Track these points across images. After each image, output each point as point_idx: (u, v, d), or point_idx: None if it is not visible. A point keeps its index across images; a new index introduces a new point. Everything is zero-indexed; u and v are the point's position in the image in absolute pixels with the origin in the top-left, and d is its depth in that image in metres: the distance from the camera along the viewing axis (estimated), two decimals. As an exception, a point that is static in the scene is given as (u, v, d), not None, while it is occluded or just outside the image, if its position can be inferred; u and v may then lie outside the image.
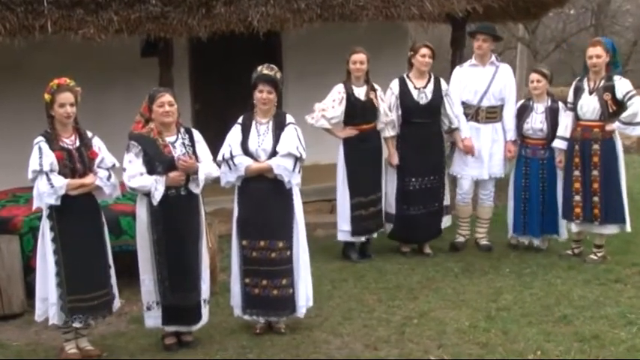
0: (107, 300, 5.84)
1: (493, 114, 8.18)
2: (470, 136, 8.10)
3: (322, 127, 7.74)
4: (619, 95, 7.42)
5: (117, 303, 6.01)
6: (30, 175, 5.55)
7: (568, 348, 5.69)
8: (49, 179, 5.50)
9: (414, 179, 8.05)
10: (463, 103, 8.17)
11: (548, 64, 23.58)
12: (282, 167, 5.97)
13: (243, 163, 5.99)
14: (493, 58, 8.34)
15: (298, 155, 6.02)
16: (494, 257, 8.07)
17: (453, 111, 8.05)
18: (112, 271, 5.93)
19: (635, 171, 12.95)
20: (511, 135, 8.13)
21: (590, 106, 7.51)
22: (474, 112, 8.16)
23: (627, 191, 9.79)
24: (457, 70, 8.48)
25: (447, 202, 8.24)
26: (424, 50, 7.93)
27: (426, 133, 8.07)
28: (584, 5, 24.43)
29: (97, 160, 5.77)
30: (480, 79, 8.17)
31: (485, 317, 6.37)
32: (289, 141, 6.03)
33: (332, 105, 7.72)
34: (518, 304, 6.66)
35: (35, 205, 5.66)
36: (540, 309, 6.54)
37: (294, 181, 6.08)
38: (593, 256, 7.79)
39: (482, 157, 8.16)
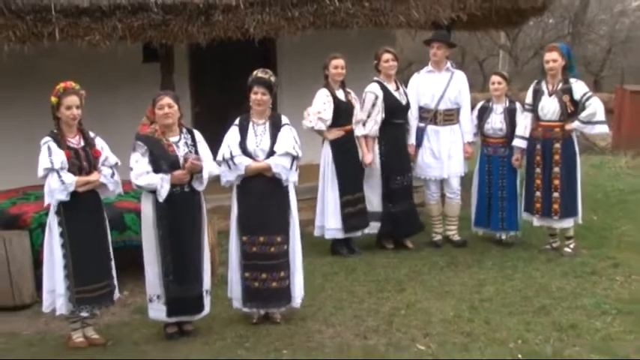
0: (109, 291, 5.88)
1: (450, 116, 8.23)
2: (413, 143, 8.23)
3: (320, 129, 7.74)
4: (576, 96, 7.51)
5: (117, 294, 6.03)
6: (41, 173, 5.57)
7: (547, 337, 5.72)
8: (59, 176, 5.53)
9: (398, 177, 8.10)
10: (421, 108, 8.24)
11: (527, 69, 23.73)
12: (280, 166, 6.00)
13: (243, 162, 6.01)
14: (448, 64, 8.38)
15: (295, 154, 6.05)
16: (477, 251, 8.10)
17: (413, 114, 8.20)
18: (113, 264, 5.94)
19: (609, 170, 12.96)
20: (469, 137, 8.22)
21: (550, 107, 7.59)
22: (432, 116, 8.21)
23: (600, 189, 9.92)
24: (415, 76, 8.55)
25: None
26: (387, 55, 8.01)
27: (402, 133, 8.22)
28: (562, 14, 24.51)
29: (101, 159, 5.80)
30: (437, 84, 8.23)
31: (468, 308, 6.40)
32: (286, 141, 6.05)
33: (324, 108, 7.73)
34: (500, 296, 6.69)
35: (47, 201, 5.66)
36: (521, 300, 6.57)
37: (292, 178, 6.11)
38: (567, 249, 7.83)
39: (442, 158, 8.21)
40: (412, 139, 8.24)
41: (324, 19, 8.65)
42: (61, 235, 5.65)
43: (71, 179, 5.56)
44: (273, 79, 6.12)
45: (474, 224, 8.36)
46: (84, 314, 5.81)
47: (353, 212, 7.95)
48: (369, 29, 9.20)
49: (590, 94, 7.53)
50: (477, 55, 25.69)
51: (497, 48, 26.12)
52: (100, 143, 5.86)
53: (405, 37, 14.81)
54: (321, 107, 7.74)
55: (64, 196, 5.55)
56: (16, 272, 6.75)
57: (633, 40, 26.94)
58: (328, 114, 7.73)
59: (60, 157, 5.55)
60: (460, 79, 8.33)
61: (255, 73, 6.13)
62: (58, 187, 5.53)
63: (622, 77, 21.78)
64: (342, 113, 7.84)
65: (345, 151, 7.91)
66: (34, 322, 6.40)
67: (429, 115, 8.19)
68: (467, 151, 8.22)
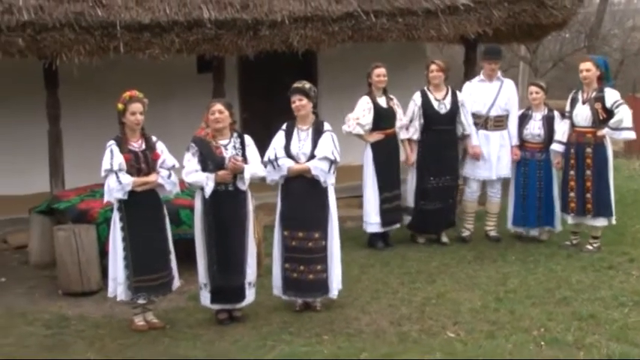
0: (167, 281, 5.91)
1: (500, 122, 8.11)
2: (479, 144, 8.07)
3: (358, 133, 7.72)
4: (608, 104, 7.37)
5: (177, 283, 6.07)
6: (102, 173, 5.65)
7: (568, 326, 5.65)
8: (117, 177, 5.59)
9: (432, 178, 8.04)
10: (473, 114, 8.12)
11: (546, 80, 23.52)
12: (319, 169, 5.99)
13: (286, 164, 6.02)
14: (499, 74, 8.30)
15: (333, 159, 6.03)
16: (501, 247, 8.00)
17: (467, 119, 8.02)
18: (173, 256, 5.98)
19: (622, 173, 12.87)
20: (516, 140, 8.06)
21: (583, 114, 7.48)
22: (483, 122, 8.11)
23: (616, 190, 9.72)
24: (467, 84, 8.43)
25: None
26: (432, 66, 7.97)
27: (444, 138, 8.05)
28: (578, 29, 24.21)
29: (160, 161, 5.83)
30: (488, 93, 8.13)
31: (494, 299, 6.33)
32: (326, 146, 6.04)
33: (363, 114, 7.72)
34: (523, 288, 6.61)
35: (106, 199, 5.75)
36: (543, 292, 6.49)
37: (329, 181, 6.10)
38: (589, 247, 7.71)
39: (491, 160, 8.09)
40: (474, 141, 8.09)
41: (362, 34, 8.67)
42: (122, 229, 5.71)
43: (128, 180, 5.62)
44: (307, 86, 6.11)
45: (511, 223, 8.20)
46: (141, 301, 5.86)
47: (390, 208, 7.93)
48: (402, 43, 9.18)
49: (620, 101, 7.40)
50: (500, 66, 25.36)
51: (518, 60, 25.93)
52: (160, 147, 5.89)
53: (434, 50, 14.71)
54: (360, 113, 7.72)
55: (120, 195, 5.61)
56: (84, 261, 6.82)
57: None
58: (367, 119, 7.72)
59: (119, 159, 5.62)
60: (509, 87, 8.22)
61: (292, 86, 6.15)
62: (116, 187, 5.60)
63: (634, 86, 21.65)
64: (383, 118, 7.82)
65: (384, 153, 7.88)
66: (101, 306, 6.45)
67: (480, 121, 8.10)
68: (515, 153, 8.05)
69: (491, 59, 8.19)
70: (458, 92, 8.14)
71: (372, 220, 7.91)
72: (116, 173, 5.59)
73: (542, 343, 5.34)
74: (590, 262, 7.30)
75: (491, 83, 8.18)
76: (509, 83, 8.30)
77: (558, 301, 6.24)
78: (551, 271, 7.09)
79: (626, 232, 8.37)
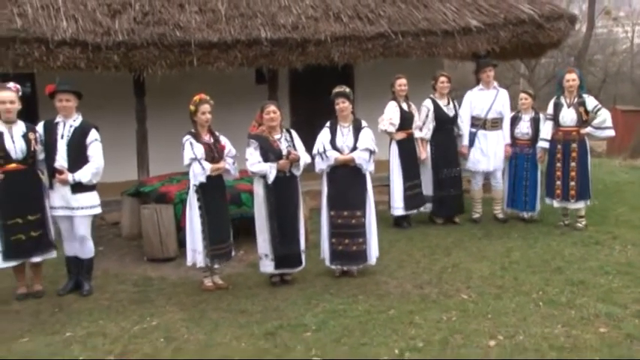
0: (230, 249, 5.91)
1: (496, 124, 7.99)
2: (467, 144, 8.03)
3: (391, 131, 7.67)
4: (589, 108, 7.33)
5: (233, 252, 6.03)
6: (187, 162, 5.61)
7: (562, 290, 5.54)
8: (200, 164, 5.56)
9: (445, 170, 7.95)
10: (474, 117, 8.02)
11: (542, 94, 23.40)
12: (361, 158, 5.95)
13: (333, 155, 5.97)
14: (495, 83, 8.18)
15: (373, 149, 5.99)
16: (506, 227, 7.84)
17: (461, 123, 8.03)
18: (231, 229, 5.94)
19: (605, 169, 12.72)
20: (508, 140, 7.96)
21: (569, 116, 7.39)
22: (482, 123, 7.99)
23: (600, 182, 9.54)
24: (468, 92, 8.29)
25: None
26: (442, 78, 7.91)
27: (451, 137, 8.02)
28: (569, 52, 24.49)
29: (226, 151, 5.81)
30: (486, 99, 8.02)
31: (500, 268, 6.21)
32: (366, 139, 6.01)
33: (394, 115, 7.69)
34: (524, 259, 6.48)
35: (192, 182, 5.67)
36: (541, 262, 6.35)
37: (370, 168, 6.05)
38: (578, 224, 7.59)
39: (489, 155, 7.98)
40: (465, 141, 8.04)
41: (391, 50, 8.65)
42: (199, 208, 5.68)
43: (208, 166, 5.61)
44: (347, 90, 6.08)
45: (505, 206, 8.10)
46: (216, 266, 5.85)
47: (412, 195, 7.83)
48: (424, 58, 9.10)
49: (599, 106, 7.34)
50: (504, 82, 25.51)
51: (519, 77, 26.10)
52: (224, 140, 5.87)
53: (450, 65, 14.51)
54: (392, 114, 7.68)
55: (203, 179, 5.60)
56: (164, 234, 6.86)
57: (622, 73, 28.43)
58: (397, 120, 7.67)
59: (200, 149, 5.60)
60: (503, 95, 8.10)
61: (334, 90, 6.09)
62: (200, 172, 5.58)
63: (614, 100, 22.79)
64: (406, 120, 7.75)
65: (407, 149, 7.80)
66: (177, 270, 6.48)
67: (480, 122, 7.98)
68: (507, 150, 7.94)
69: (486, 66, 8.11)
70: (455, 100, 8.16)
71: (397, 205, 7.82)
72: (199, 161, 5.57)
73: (541, 303, 5.23)
74: (580, 239, 7.14)
75: (489, 91, 8.06)
76: (503, 92, 8.18)
77: (553, 269, 6.11)
78: (547, 245, 6.95)
79: (610, 215, 8.21)
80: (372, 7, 8.84)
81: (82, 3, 7.84)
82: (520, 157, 7.86)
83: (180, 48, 7.71)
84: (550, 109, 7.59)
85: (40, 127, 5.67)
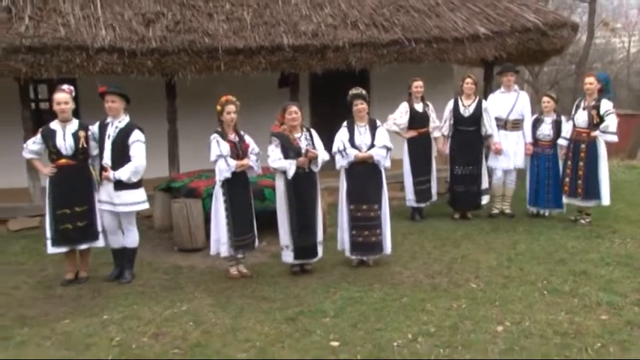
0: (253, 240, 5.89)
1: (516, 124, 7.87)
2: (499, 141, 7.84)
3: (393, 130, 7.58)
4: (601, 111, 7.12)
5: (257, 242, 6.00)
6: (213, 158, 5.60)
7: (565, 279, 5.48)
8: (226, 161, 5.55)
9: (457, 167, 7.84)
10: (496, 118, 7.88)
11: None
12: (379, 155, 5.94)
13: (352, 153, 5.94)
14: (516, 87, 8.07)
15: (389, 147, 5.97)
16: (513, 221, 7.74)
17: (489, 122, 7.77)
18: (254, 222, 5.91)
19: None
20: (529, 139, 7.80)
21: (582, 118, 7.25)
22: (503, 124, 7.89)
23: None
24: (491, 95, 8.23)
25: (485, 185, 7.86)
26: (468, 80, 7.79)
27: (467, 136, 7.77)
28: (570, 60, 24.40)
29: (250, 150, 5.78)
30: (507, 101, 7.91)
31: (507, 259, 6.15)
32: (383, 137, 6.00)
33: (400, 116, 7.66)
34: (529, 251, 6.41)
35: (217, 178, 5.67)
36: (545, 254, 6.27)
37: (387, 164, 6.03)
38: (582, 221, 7.46)
39: (509, 154, 7.87)
40: (496, 138, 7.82)
41: (405, 56, 8.60)
42: (225, 201, 5.67)
43: (233, 163, 5.59)
44: (364, 92, 6.06)
45: (528, 203, 7.92)
46: (239, 256, 5.84)
47: (422, 189, 7.84)
48: (436, 63, 9.04)
49: (611, 111, 7.12)
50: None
51: (523, 83, 25.94)
52: (248, 139, 5.85)
53: (460, 70, 14.39)
54: (398, 115, 7.67)
55: (228, 174, 5.59)
56: (193, 226, 6.86)
57: (619, 80, 28.23)
58: (403, 120, 7.64)
59: (226, 147, 5.59)
60: (524, 97, 7.99)
61: (351, 91, 6.04)
62: (226, 168, 5.56)
63: (612, 105, 21.36)
64: (417, 120, 7.70)
65: (417, 147, 7.76)
66: (205, 259, 6.47)
67: (501, 123, 7.87)
68: (528, 148, 7.80)
69: (507, 71, 8.00)
70: (483, 100, 7.92)
71: (409, 197, 7.89)
72: (225, 158, 5.56)
73: (545, 292, 5.17)
74: (582, 233, 7.05)
75: (510, 94, 7.96)
76: (524, 94, 8.08)
77: (557, 261, 6.03)
78: (551, 239, 6.86)
79: (610, 211, 8.03)
80: (387, 16, 8.79)
81: (119, 13, 7.87)
82: (542, 157, 7.71)
83: (209, 54, 7.71)
84: (573, 110, 7.50)
85: (95, 126, 5.73)
